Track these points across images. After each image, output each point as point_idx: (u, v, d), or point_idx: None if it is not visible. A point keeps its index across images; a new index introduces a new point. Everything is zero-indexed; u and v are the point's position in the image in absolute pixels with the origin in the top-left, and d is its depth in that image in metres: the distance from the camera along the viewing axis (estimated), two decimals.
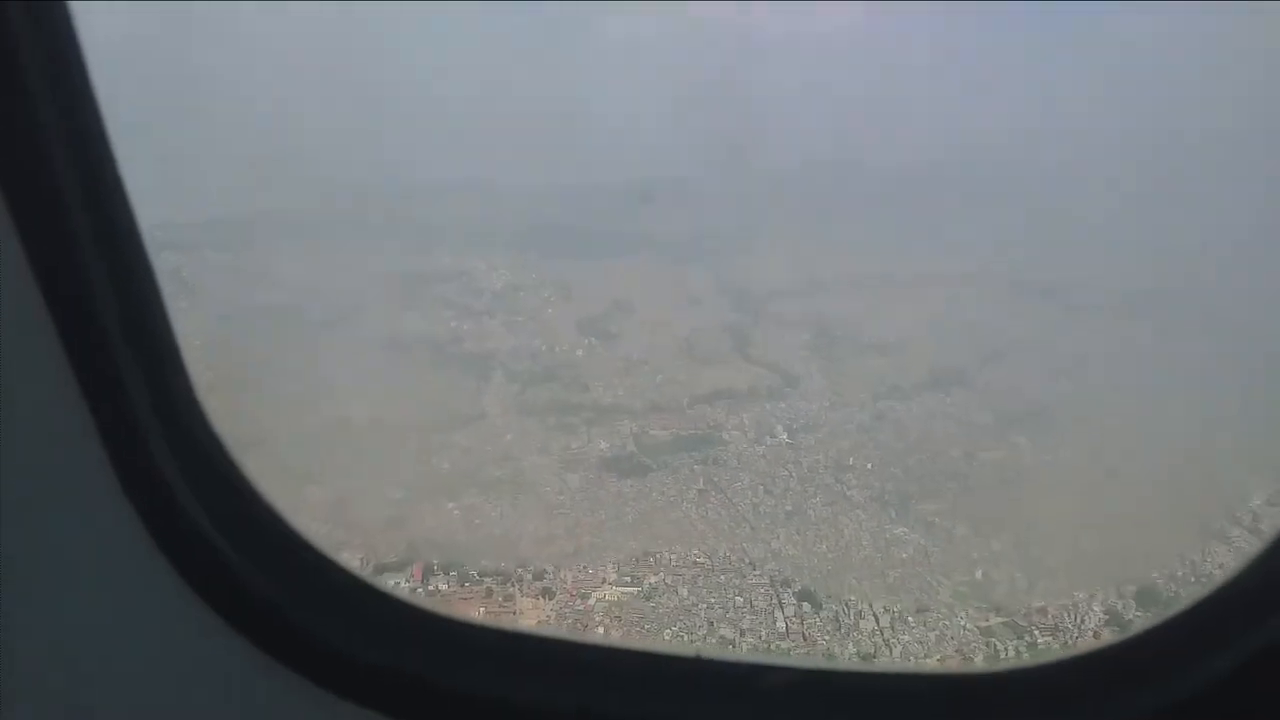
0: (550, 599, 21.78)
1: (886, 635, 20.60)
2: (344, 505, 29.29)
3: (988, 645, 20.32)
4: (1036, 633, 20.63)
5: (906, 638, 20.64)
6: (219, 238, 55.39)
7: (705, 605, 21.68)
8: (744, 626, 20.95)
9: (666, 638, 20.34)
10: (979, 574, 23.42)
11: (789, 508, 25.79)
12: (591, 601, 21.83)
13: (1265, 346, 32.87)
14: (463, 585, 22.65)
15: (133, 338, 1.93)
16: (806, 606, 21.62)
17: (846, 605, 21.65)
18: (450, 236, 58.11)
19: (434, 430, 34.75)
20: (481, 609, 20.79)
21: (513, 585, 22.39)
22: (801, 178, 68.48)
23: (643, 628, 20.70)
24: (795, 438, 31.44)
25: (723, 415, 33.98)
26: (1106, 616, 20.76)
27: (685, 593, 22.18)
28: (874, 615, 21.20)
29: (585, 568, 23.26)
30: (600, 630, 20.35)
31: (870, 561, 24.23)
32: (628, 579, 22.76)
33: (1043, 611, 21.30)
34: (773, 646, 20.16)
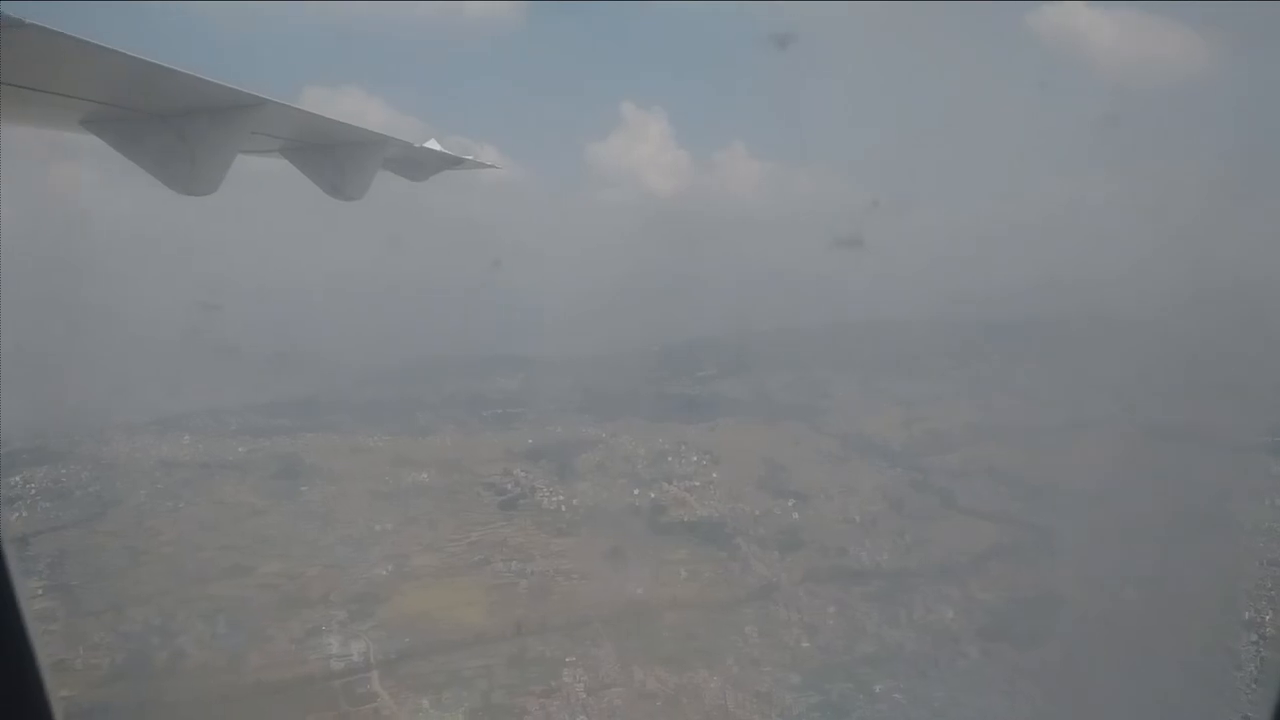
0: None
1: None
2: (764, 699, 26.55)
3: None
4: None
5: None
6: (302, 421, 50.99)
7: None
8: None
9: None
10: None
11: None
12: None
13: None
14: None
15: None
16: None
17: None
18: (534, 408, 55.74)
19: (742, 605, 32.24)
20: None
21: None
22: (833, 335, 71.06)
23: None
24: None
25: (1023, 574, 33.64)
26: None
27: None
28: None
29: None
30: None
31: None
32: None
33: None
34: None
